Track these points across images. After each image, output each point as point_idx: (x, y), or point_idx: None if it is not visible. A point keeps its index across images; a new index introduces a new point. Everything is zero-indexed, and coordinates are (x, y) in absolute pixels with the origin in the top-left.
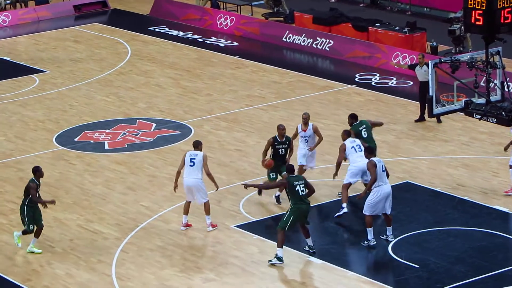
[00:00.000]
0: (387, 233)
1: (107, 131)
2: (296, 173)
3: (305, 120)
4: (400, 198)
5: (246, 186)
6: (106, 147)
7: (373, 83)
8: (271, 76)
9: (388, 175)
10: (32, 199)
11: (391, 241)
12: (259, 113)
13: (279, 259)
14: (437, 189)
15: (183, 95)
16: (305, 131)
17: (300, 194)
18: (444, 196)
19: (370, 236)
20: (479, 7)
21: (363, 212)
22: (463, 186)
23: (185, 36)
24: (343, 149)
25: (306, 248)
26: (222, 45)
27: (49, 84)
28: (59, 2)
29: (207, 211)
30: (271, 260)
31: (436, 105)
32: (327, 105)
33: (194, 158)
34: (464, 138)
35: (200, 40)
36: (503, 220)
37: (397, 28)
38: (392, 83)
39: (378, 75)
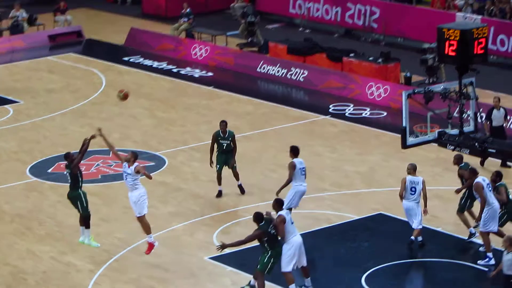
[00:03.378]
0: (306, 284)
1: (81, 162)
2: None
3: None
4: (373, 229)
5: (223, 247)
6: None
7: (347, 114)
8: (246, 107)
9: None
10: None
11: None
12: None
13: None
14: None
15: (157, 125)
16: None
17: (278, 238)
18: None
19: None
20: (453, 38)
21: (282, 270)
22: (436, 217)
23: (159, 67)
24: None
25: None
26: (196, 75)
27: (23, 115)
28: (34, 32)
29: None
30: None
31: (409, 136)
32: (301, 136)
33: None
34: (438, 169)
35: (174, 70)
36: (476, 252)
37: (371, 58)
38: (366, 113)
39: (352, 105)
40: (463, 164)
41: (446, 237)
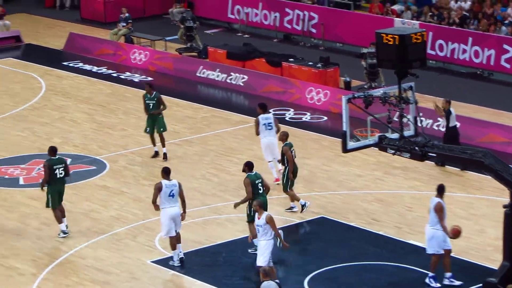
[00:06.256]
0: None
1: (21, 166)
2: None
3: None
4: (315, 233)
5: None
6: (21, 182)
7: (287, 118)
8: (185, 111)
9: None
10: None
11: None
12: (173, 148)
13: (63, 232)
14: (352, 224)
15: (97, 130)
16: (258, 219)
17: (58, 176)
18: (358, 230)
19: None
20: (391, 43)
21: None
22: (377, 221)
23: (99, 71)
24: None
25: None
26: (136, 80)
27: None
28: None
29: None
30: (59, 234)
31: (350, 140)
32: (242, 140)
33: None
34: (378, 173)
35: (114, 75)
36: (418, 255)
37: (310, 63)
38: (306, 118)
39: (292, 110)
40: (287, 142)
41: (387, 240)
